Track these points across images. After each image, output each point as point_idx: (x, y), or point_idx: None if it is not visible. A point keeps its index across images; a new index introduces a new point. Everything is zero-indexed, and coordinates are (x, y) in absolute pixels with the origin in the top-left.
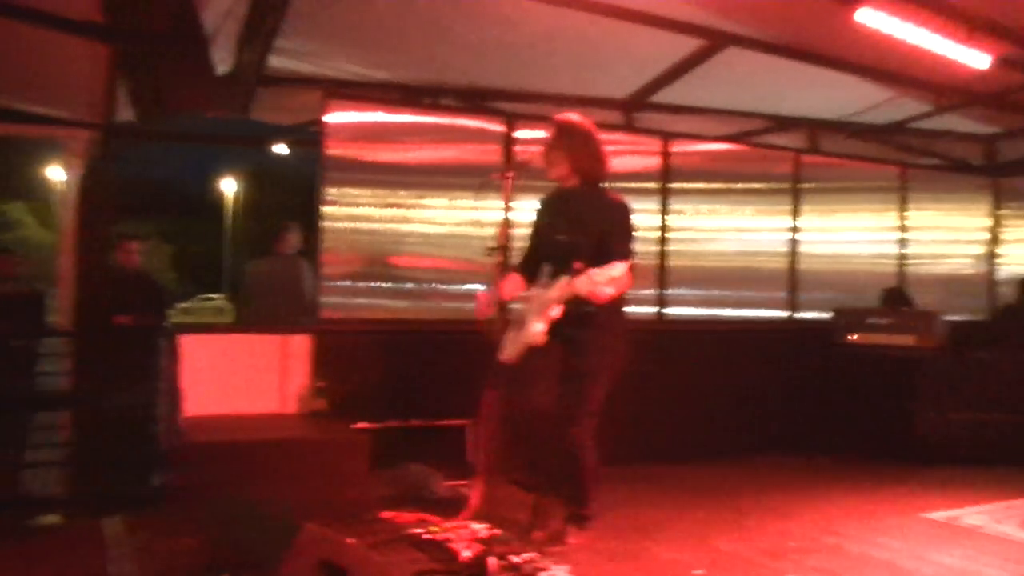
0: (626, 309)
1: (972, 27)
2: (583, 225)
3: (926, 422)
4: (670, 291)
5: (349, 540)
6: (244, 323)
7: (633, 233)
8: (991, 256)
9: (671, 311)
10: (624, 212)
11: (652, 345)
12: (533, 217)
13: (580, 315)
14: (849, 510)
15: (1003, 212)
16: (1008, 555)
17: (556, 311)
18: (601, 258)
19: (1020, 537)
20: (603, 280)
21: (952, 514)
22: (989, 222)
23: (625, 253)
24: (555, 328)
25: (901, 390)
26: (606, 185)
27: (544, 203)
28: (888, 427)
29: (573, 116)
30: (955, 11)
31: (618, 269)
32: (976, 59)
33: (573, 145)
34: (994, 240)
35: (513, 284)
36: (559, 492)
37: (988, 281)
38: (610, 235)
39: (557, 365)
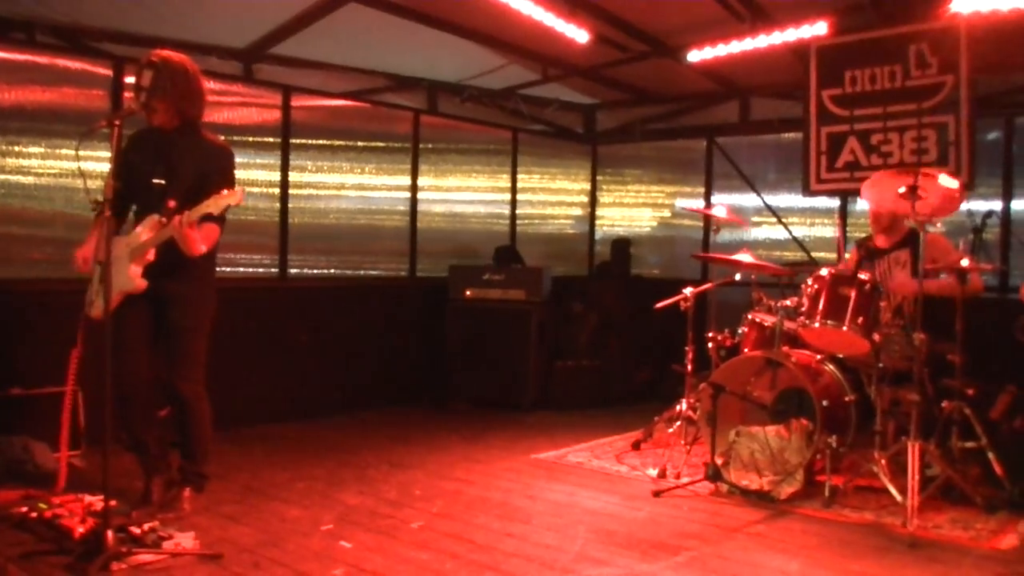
0: (215, 260)
1: (574, 4)
2: (181, 168)
3: (534, 370)
4: (292, 247)
5: None
6: None
7: (234, 181)
8: (591, 218)
9: (294, 269)
10: (226, 158)
11: (274, 303)
12: (123, 160)
13: (175, 266)
14: (467, 456)
15: (600, 178)
16: (603, 487)
17: (151, 254)
18: (197, 204)
19: (615, 470)
20: (195, 217)
21: (559, 453)
22: (588, 186)
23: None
24: (150, 281)
25: (512, 341)
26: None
27: (136, 141)
28: (501, 376)
29: (172, 54)
30: None
31: (227, 198)
32: (576, 34)
33: (177, 86)
34: (593, 203)
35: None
36: (172, 452)
37: (588, 241)
38: (208, 180)
39: (153, 321)
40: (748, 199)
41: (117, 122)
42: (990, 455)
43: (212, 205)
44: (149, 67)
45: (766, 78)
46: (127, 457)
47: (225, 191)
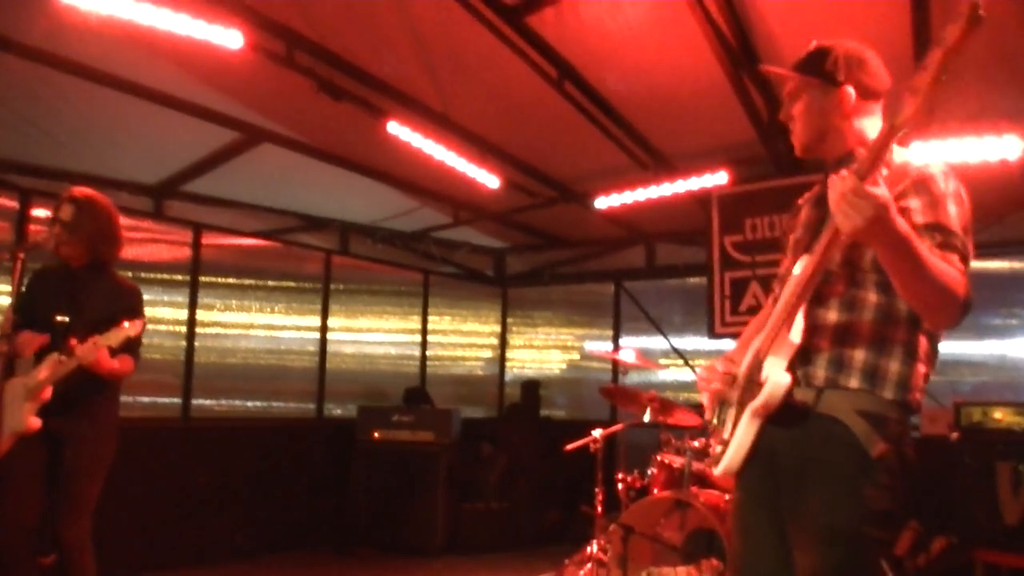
0: (119, 400)
1: (485, 150)
2: (87, 307)
3: (442, 514)
4: (197, 387)
5: None
6: None
7: (144, 322)
8: (500, 359)
9: (197, 409)
10: (135, 298)
11: (177, 443)
12: (26, 294)
13: (72, 404)
14: None
15: (510, 320)
16: None
17: (46, 392)
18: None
19: None
20: (112, 342)
21: None
22: (498, 328)
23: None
24: (45, 420)
25: (420, 484)
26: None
27: (40, 279)
28: (408, 520)
29: (96, 194)
30: (471, 135)
31: (127, 330)
32: (488, 179)
33: (91, 224)
34: (503, 345)
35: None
36: None
37: (497, 382)
38: (116, 322)
39: (49, 463)
40: (655, 341)
41: (21, 254)
42: None
43: (112, 338)
44: (70, 202)
45: (671, 225)
46: None
47: (126, 323)
